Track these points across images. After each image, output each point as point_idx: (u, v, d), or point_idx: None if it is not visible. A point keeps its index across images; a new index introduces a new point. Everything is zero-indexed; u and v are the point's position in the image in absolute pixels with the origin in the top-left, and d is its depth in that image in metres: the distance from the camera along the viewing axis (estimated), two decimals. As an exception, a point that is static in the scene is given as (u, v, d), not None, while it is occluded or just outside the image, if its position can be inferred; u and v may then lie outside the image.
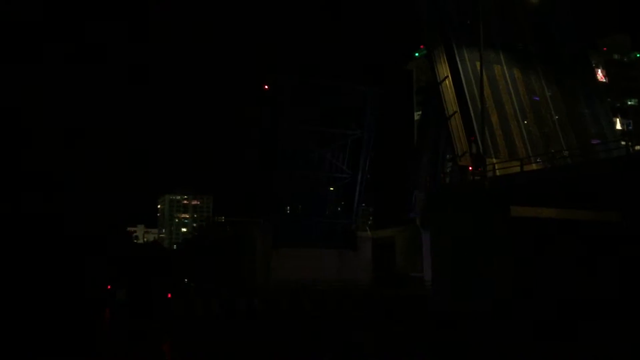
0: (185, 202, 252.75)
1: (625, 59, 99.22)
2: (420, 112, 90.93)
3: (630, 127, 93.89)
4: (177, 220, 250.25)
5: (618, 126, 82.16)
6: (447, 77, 49.85)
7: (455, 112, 49.19)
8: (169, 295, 65.80)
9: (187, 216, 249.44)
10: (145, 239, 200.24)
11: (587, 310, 33.94)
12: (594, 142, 50.26)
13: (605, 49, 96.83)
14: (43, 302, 68.41)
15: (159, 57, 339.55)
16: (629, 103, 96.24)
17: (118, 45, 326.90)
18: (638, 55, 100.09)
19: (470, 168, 46.35)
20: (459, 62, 48.62)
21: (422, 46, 79.33)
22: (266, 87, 68.88)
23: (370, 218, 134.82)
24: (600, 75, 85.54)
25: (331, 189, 73.72)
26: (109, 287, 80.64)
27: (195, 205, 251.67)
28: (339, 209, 74.24)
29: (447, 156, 68.94)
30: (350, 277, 68.07)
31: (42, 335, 43.52)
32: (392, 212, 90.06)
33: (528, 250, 37.50)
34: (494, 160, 45.39)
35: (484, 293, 39.67)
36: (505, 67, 50.88)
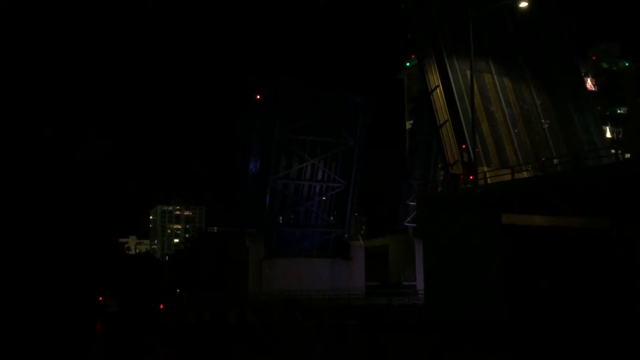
0: (177, 212, 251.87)
1: (614, 68, 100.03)
2: (411, 121, 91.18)
3: (620, 136, 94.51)
4: (169, 231, 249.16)
5: (608, 134, 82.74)
6: (438, 86, 50.10)
7: (446, 121, 49.40)
8: (161, 306, 65.43)
9: (179, 227, 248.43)
10: (137, 250, 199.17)
11: (579, 317, 34.02)
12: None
13: (594, 57, 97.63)
14: (34, 315, 67.76)
15: (149, 63, 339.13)
16: (619, 111, 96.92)
17: (110, 52, 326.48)
18: (627, 63, 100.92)
19: (461, 176, 46.51)
20: (449, 71, 48.88)
21: (413, 55, 79.66)
22: (257, 96, 68.89)
23: (363, 227, 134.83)
24: (589, 83, 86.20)
25: (324, 198, 73.64)
26: (100, 298, 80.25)
27: (187, 216, 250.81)
28: (331, 218, 74.15)
29: (439, 165, 69.14)
30: (343, 287, 67.89)
31: (33, 349, 43.07)
32: (385, 221, 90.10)
33: (520, 258, 37.56)
34: (485, 169, 45.56)
35: (477, 301, 39.66)
36: (495, 76, 51.21)
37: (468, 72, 45.92)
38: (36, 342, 47.27)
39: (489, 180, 43.38)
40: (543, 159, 47.64)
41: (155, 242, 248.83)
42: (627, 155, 48.56)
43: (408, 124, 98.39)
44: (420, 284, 62.82)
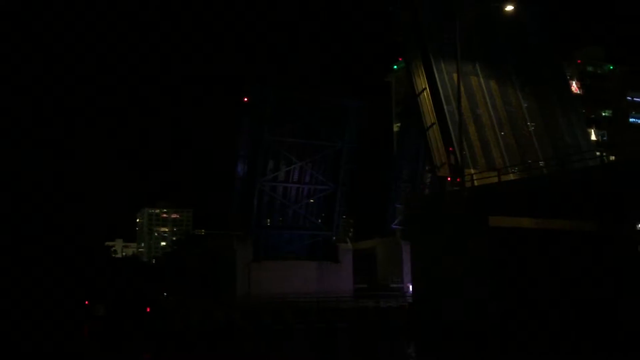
0: (164, 215, 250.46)
1: (599, 71, 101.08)
2: (399, 124, 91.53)
3: (605, 138, 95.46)
4: (156, 234, 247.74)
5: (593, 137, 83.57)
6: (425, 89, 50.33)
7: (433, 124, 49.62)
8: (148, 310, 64.96)
9: (167, 230, 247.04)
10: (124, 253, 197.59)
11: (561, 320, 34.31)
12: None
13: (579, 61, 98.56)
14: (20, 320, 67.02)
15: (138, 64, 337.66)
16: (603, 114, 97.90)
17: (98, 52, 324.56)
18: (612, 67, 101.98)
19: (448, 179, 46.74)
20: (436, 74, 49.11)
21: (400, 59, 79.96)
22: (246, 99, 68.78)
23: (351, 230, 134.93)
24: (574, 86, 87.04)
25: (312, 200, 73.65)
26: (87, 302, 79.46)
27: (174, 219, 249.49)
28: (319, 220, 74.15)
29: (426, 167, 69.45)
30: (332, 289, 67.92)
31: (20, 354, 42.64)
32: (373, 223, 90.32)
33: (508, 260, 37.82)
34: (472, 171, 45.82)
35: (465, 303, 39.86)
36: (482, 79, 51.54)
37: (455, 75, 46.18)
38: (23, 347, 46.77)
39: (475, 183, 43.64)
40: (529, 161, 48.00)
41: (142, 245, 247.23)
42: (612, 158, 49.12)
43: (396, 127, 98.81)
44: (407, 286, 62.99)
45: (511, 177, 45.16)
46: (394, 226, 77.98)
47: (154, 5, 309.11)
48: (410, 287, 54.48)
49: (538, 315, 35.66)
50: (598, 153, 52.51)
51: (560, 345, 33.64)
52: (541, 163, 48.02)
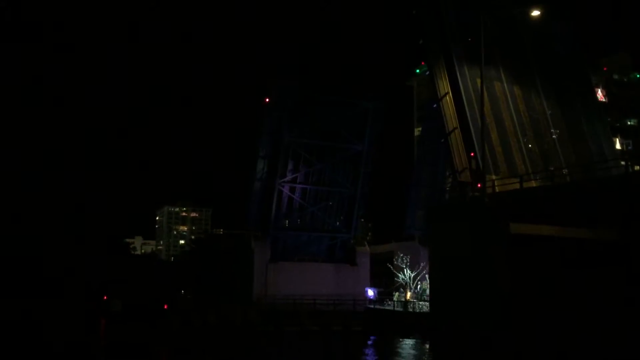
0: (184, 214, 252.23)
1: (625, 79, 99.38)
2: (420, 128, 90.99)
3: (630, 147, 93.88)
4: (175, 232, 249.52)
5: (617, 146, 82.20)
6: (447, 93, 49.94)
7: (455, 128, 49.21)
8: (165, 307, 65.45)
9: (186, 228, 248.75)
10: (143, 251, 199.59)
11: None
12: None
13: (605, 68, 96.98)
14: (39, 313, 67.95)
15: (159, 64, 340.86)
16: (629, 123, 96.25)
17: (116, 52, 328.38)
18: (638, 75, 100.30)
19: (470, 184, 46.33)
20: (459, 78, 48.71)
21: (423, 62, 79.51)
22: (267, 100, 68.94)
23: (369, 233, 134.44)
24: (600, 94, 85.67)
25: (330, 203, 73.53)
26: (105, 297, 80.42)
27: (193, 218, 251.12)
28: (337, 223, 74.01)
29: (447, 172, 68.90)
30: (348, 292, 67.73)
31: (38, 346, 43.17)
32: (392, 227, 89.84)
33: (527, 268, 37.34)
34: (494, 177, 45.36)
35: (481, 310, 39.43)
36: (505, 84, 51.01)
37: (478, 80, 45.77)
38: (41, 339, 47.38)
39: (497, 189, 43.18)
40: (552, 168, 47.38)
41: (161, 242, 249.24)
42: (637, 168, 48.25)
43: (417, 131, 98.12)
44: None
45: (533, 184, 44.61)
46: (414, 231, 77.44)
47: (177, 2, 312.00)
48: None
49: (555, 326, 35.13)
50: (623, 162, 51.60)
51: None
52: (564, 171, 47.38)
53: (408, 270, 63.84)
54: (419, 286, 62.89)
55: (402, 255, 66.87)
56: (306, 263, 70.21)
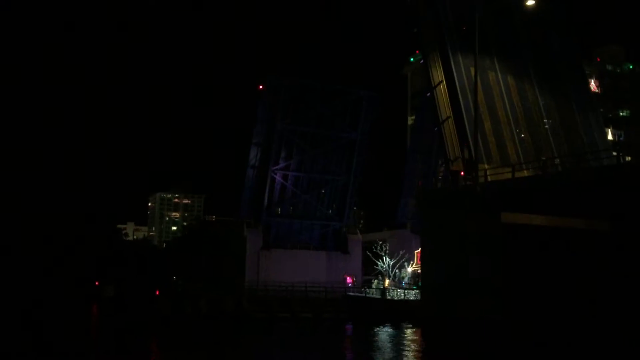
0: (176, 200, 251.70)
1: (618, 70, 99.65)
2: (414, 117, 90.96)
3: (622, 138, 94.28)
4: (167, 218, 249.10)
5: (610, 136, 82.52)
6: (441, 81, 49.97)
7: (448, 117, 49.30)
8: (157, 293, 65.46)
9: (178, 215, 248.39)
10: (135, 237, 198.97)
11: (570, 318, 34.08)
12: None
13: (599, 59, 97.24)
14: (31, 299, 67.80)
15: (153, 52, 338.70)
16: (621, 114, 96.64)
17: (113, 42, 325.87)
18: (631, 66, 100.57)
19: (462, 173, 46.46)
20: (453, 67, 48.72)
21: (417, 51, 79.28)
22: (261, 87, 68.67)
23: (361, 221, 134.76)
24: (593, 85, 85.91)
25: (323, 191, 73.55)
26: (97, 283, 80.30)
27: (186, 204, 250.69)
28: (330, 211, 74.09)
29: (440, 161, 69.03)
30: (340, 279, 68.08)
31: (30, 332, 43.13)
32: (384, 215, 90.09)
33: (519, 257, 37.58)
34: (486, 166, 45.50)
35: (472, 299, 39.71)
36: (499, 74, 51.05)
37: (472, 69, 45.81)
38: (32, 326, 47.32)
39: (489, 178, 43.33)
40: (544, 158, 47.58)
41: (153, 229, 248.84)
42: (628, 158, 48.48)
43: (410, 120, 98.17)
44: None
45: (525, 173, 44.79)
46: (405, 220, 77.72)
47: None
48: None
49: (546, 314, 35.42)
50: (614, 153, 51.85)
51: (565, 342, 33.47)
52: (556, 160, 47.57)
53: (387, 258, 64.45)
54: (397, 274, 63.60)
55: (380, 242, 67.43)
56: (298, 250, 70.34)
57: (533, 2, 47.18)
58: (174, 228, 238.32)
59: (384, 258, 64.64)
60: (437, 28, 50.41)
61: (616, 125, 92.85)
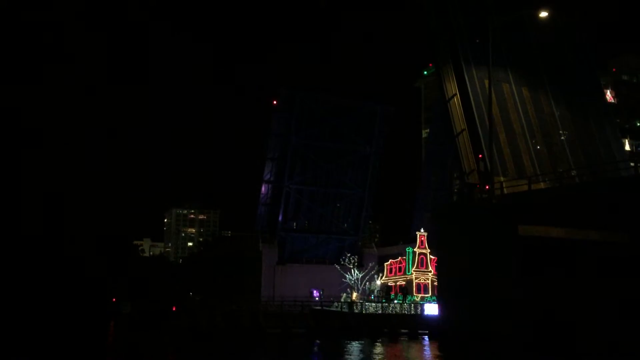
0: (192, 216, 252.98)
1: (634, 80, 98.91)
2: (428, 130, 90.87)
3: (639, 149, 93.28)
4: (183, 234, 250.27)
5: (627, 147, 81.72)
6: (455, 94, 49.82)
7: (463, 130, 49.07)
8: (174, 309, 65.60)
9: (194, 230, 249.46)
10: (151, 253, 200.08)
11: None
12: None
13: (614, 69, 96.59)
14: (49, 315, 68.25)
15: (167, 67, 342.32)
16: (638, 124, 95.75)
17: (128, 55, 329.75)
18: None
19: (477, 186, 46.17)
20: (467, 80, 48.59)
21: (430, 64, 79.47)
22: (275, 102, 69.11)
23: (377, 235, 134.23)
24: (609, 95, 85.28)
25: (338, 205, 73.54)
26: (114, 300, 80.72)
27: (201, 220, 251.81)
28: (345, 225, 74.00)
29: (455, 174, 68.78)
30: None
31: (47, 347, 43.38)
32: (399, 229, 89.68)
33: (536, 269, 37.14)
34: (502, 179, 45.17)
35: (489, 312, 39.27)
36: (514, 86, 50.83)
37: (486, 81, 45.63)
38: (50, 341, 47.59)
39: (505, 191, 42.99)
40: (560, 170, 47.14)
41: (170, 245, 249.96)
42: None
43: (424, 133, 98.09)
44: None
45: (541, 185, 44.40)
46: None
47: (186, 2, 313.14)
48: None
49: (563, 328, 34.92)
50: (632, 164, 51.27)
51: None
52: (573, 172, 47.11)
53: (356, 271, 64.05)
54: (366, 286, 63.23)
55: (349, 255, 66.67)
56: (314, 265, 70.26)
57: (546, 14, 47.02)
58: (190, 244, 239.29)
59: (352, 271, 64.23)
60: (451, 40, 50.40)
61: (633, 136, 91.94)
